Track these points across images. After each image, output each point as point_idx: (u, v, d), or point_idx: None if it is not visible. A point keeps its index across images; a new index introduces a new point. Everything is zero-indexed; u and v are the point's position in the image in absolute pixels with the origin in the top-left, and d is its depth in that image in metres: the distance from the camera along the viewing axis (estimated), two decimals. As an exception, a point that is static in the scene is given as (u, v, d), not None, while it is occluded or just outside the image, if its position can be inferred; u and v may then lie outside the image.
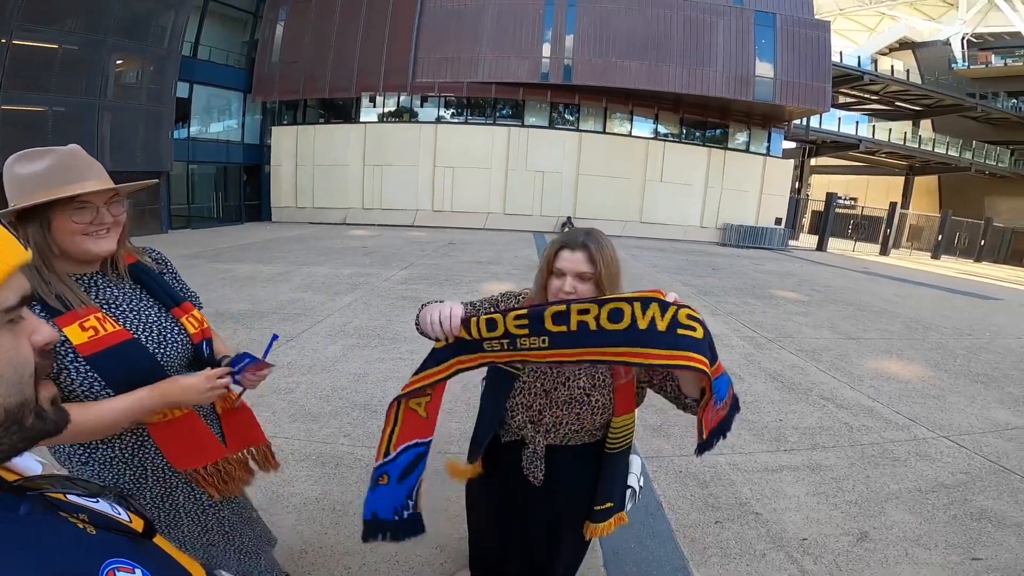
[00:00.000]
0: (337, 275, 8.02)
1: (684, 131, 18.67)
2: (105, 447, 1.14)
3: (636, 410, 1.35)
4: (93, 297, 1.12)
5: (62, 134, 11.74)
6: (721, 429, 1.22)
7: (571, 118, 18.05)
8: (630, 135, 18.24)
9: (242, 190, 18.83)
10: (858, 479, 2.87)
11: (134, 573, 0.44)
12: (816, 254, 18.33)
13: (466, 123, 17.90)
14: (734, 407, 1.25)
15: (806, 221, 26.99)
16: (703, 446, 1.23)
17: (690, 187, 18.43)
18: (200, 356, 1.23)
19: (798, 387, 4.33)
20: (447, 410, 3.32)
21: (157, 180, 1.28)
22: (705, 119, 18.46)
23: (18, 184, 1.03)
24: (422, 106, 17.98)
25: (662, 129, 18.50)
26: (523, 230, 16.94)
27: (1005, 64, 28.36)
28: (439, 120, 17.87)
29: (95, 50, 12.49)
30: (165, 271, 1.32)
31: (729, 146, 18.83)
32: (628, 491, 1.44)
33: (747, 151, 19.00)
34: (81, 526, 0.45)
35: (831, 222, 20.57)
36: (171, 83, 14.37)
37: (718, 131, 18.82)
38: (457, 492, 2.41)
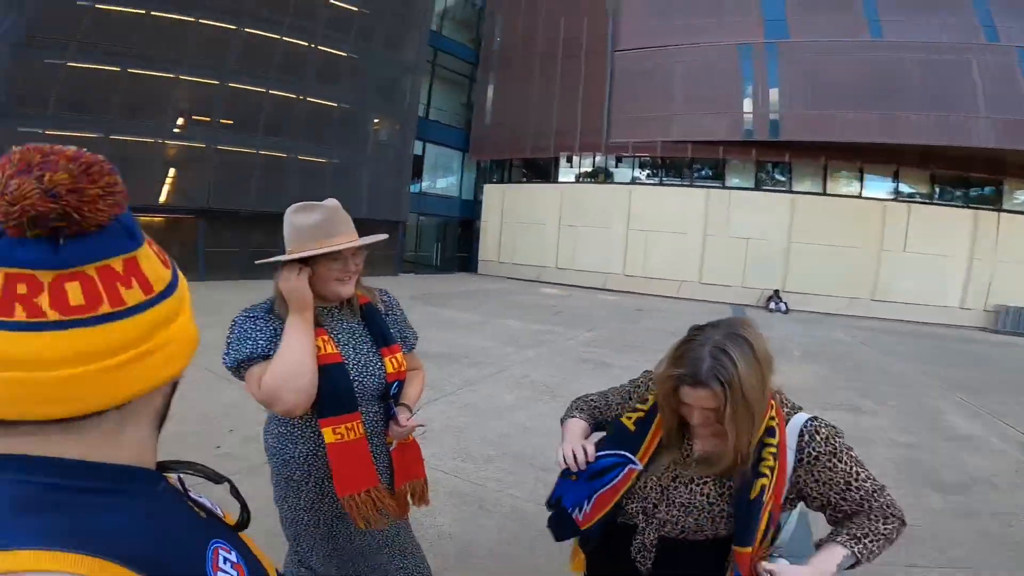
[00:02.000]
0: (526, 329, 8.45)
1: (936, 190, 15.52)
2: (292, 447, 1.39)
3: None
4: (329, 323, 1.41)
5: (337, 183, 14.60)
6: None
7: (782, 178, 16.48)
8: (860, 196, 15.83)
9: (457, 243, 21.45)
10: None
11: (231, 554, 0.50)
12: None
13: (661, 184, 17.67)
14: None
15: None
16: None
17: (947, 259, 14.96)
18: (386, 394, 1.44)
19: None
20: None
21: (387, 235, 1.60)
22: (966, 175, 15.09)
23: (296, 232, 1.35)
24: (616, 167, 18.37)
25: (905, 188, 15.67)
26: (721, 302, 15.57)
27: None
28: (633, 181, 18.00)
29: (360, 109, 15.45)
30: (390, 312, 1.58)
31: (1004, 207, 14.99)
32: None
33: (1033, 213, 14.87)
34: (196, 510, 0.53)
35: None
36: (411, 141, 17.12)
37: (987, 189, 15.19)
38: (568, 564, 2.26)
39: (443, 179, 21.50)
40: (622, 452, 1.28)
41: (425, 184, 20.27)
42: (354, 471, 1.34)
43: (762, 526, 1.11)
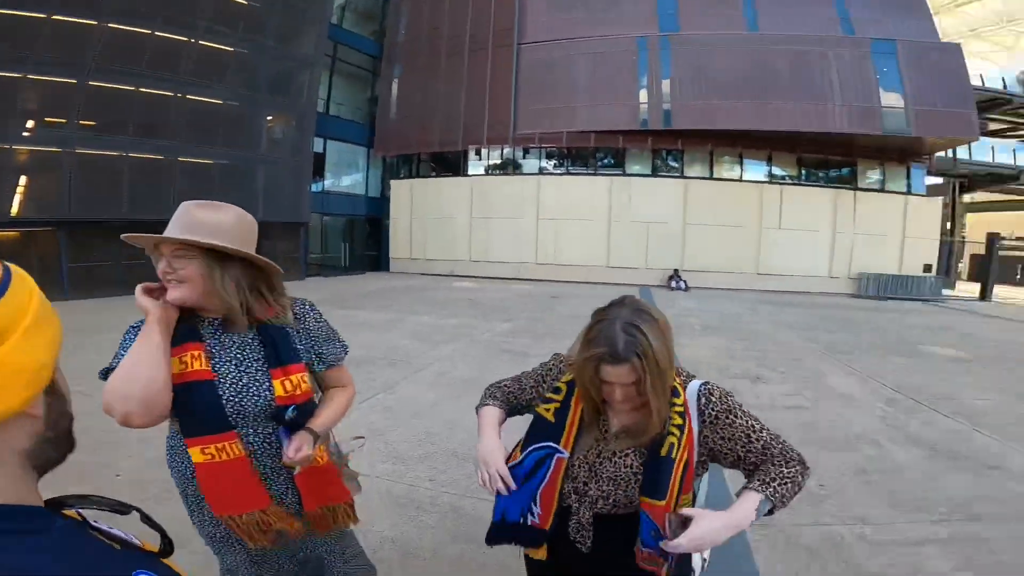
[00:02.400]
0: (441, 325, 8.34)
1: (803, 172, 17.39)
2: (181, 462, 1.31)
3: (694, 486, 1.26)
4: (211, 337, 1.29)
5: (228, 185, 13.55)
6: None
7: (675, 164, 17.65)
8: (740, 180, 17.36)
9: (365, 241, 20.70)
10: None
11: None
12: (979, 304, 15.74)
13: (567, 173, 18.22)
14: None
15: (964, 267, 23.42)
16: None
17: (815, 234, 16.88)
18: (281, 416, 1.30)
19: (954, 453, 3.69)
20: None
21: (209, 243, 1.35)
22: (827, 157, 17.06)
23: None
24: (524, 158, 18.69)
25: (777, 171, 17.39)
26: (628, 284, 16.42)
27: None
28: (541, 171, 18.40)
29: (251, 107, 14.40)
30: (303, 327, 1.41)
31: (859, 186, 17.14)
32: (692, 573, 1.30)
33: (882, 190, 17.15)
34: (108, 543, 0.49)
35: (996, 267, 17.63)
36: (309, 138, 16.22)
37: (844, 170, 17.27)
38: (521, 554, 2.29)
39: (348, 176, 20.66)
40: (547, 444, 1.29)
41: (328, 182, 19.37)
42: (231, 492, 1.27)
43: (675, 480, 1.17)
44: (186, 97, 12.95)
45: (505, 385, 1.49)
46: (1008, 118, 22.86)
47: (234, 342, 1.31)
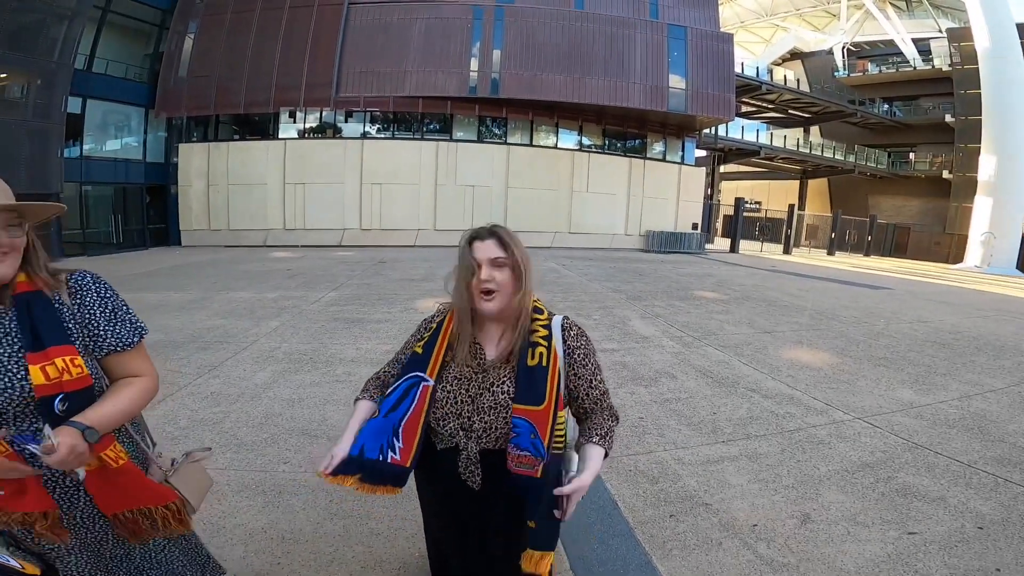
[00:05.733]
0: (260, 299, 7.57)
1: (606, 142, 19.45)
2: None
3: (568, 409, 1.37)
4: None
5: None
6: (517, 484, 1.27)
7: (499, 132, 18.26)
8: (556, 147, 18.75)
9: (145, 212, 17.37)
10: (791, 464, 3.07)
11: None
12: (730, 256, 19.61)
13: (393, 138, 17.63)
14: (538, 483, 1.25)
15: (719, 225, 28.87)
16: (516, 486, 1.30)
17: (614, 196, 19.19)
18: (50, 411, 1.06)
19: (726, 380, 4.58)
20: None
21: (64, 206, 1.15)
22: (625, 130, 19.34)
23: None
24: (347, 122, 17.49)
25: (586, 141, 19.17)
26: (454, 245, 16.49)
27: (880, 71, 32.02)
28: (365, 136, 17.46)
29: None
30: (76, 303, 1.18)
31: (648, 156, 19.83)
32: None
33: (664, 160, 20.09)
34: None
35: (741, 225, 22.13)
36: (61, 97, 13.11)
37: (637, 141, 19.77)
38: (413, 512, 2.34)
39: (118, 140, 16.93)
40: (413, 374, 1.33)
41: (89, 147, 15.70)
42: (14, 491, 1.08)
43: (551, 387, 1.28)
44: None
45: (380, 371, 1.49)
46: (755, 102, 28.39)
47: None
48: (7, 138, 11.96)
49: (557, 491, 1.21)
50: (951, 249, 25.83)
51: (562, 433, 1.33)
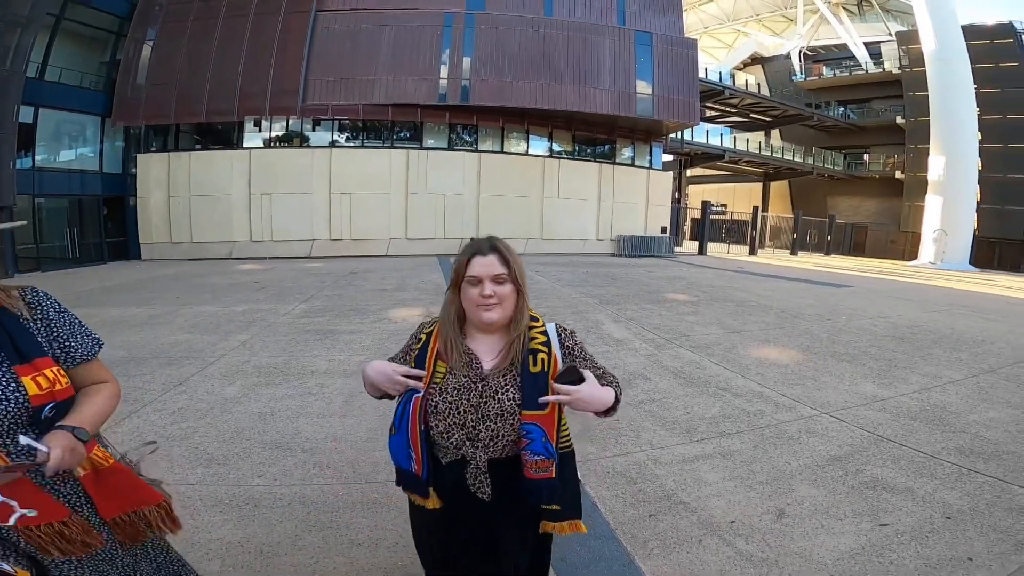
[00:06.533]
0: (227, 313, 7.36)
1: (576, 148, 19.67)
2: None
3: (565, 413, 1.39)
4: None
5: None
6: (532, 489, 1.32)
7: (469, 139, 18.29)
8: (527, 154, 18.86)
9: (102, 225, 16.73)
10: (763, 460, 3.14)
11: None
12: (698, 258, 20.04)
13: (363, 147, 17.44)
14: (553, 484, 1.32)
15: (687, 228, 29.52)
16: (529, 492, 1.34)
17: (584, 202, 19.40)
18: (38, 420, 1.10)
19: (698, 381, 4.67)
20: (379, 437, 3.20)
21: (24, 222, 1.12)
22: (594, 135, 19.62)
23: None
24: (314, 130, 17.25)
25: (556, 147, 19.36)
26: (427, 254, 16.73)
27: (834, 75, 33.34)
28: (333, 144, 17.24)
29: None
30: (40, 317, 1.19)
31: (617, 161, 20.13)
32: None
33: (632, 165, 20.43)
34: None
35: (708, 228, 22.66)
36: (13, 106, 12.58)
37: (606, 147, 20.07)
38: (394, 520, 2.31)
39: (72, 150, 16.28)
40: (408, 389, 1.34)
41: (42, 158, 15.08)
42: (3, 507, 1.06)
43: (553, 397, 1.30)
44: None
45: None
46: (719, 107, 29.19)
47: None
48: None
49: (554, 387, 1.26)
50: (906, 247, 27.00)
51: (567, 432, 1.40)
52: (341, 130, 17.42)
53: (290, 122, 17.07)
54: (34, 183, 14.44)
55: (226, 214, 16.62)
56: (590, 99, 17.40)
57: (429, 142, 17.85)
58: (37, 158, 14.87)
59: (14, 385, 1.08)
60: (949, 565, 2.16)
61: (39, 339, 1.16)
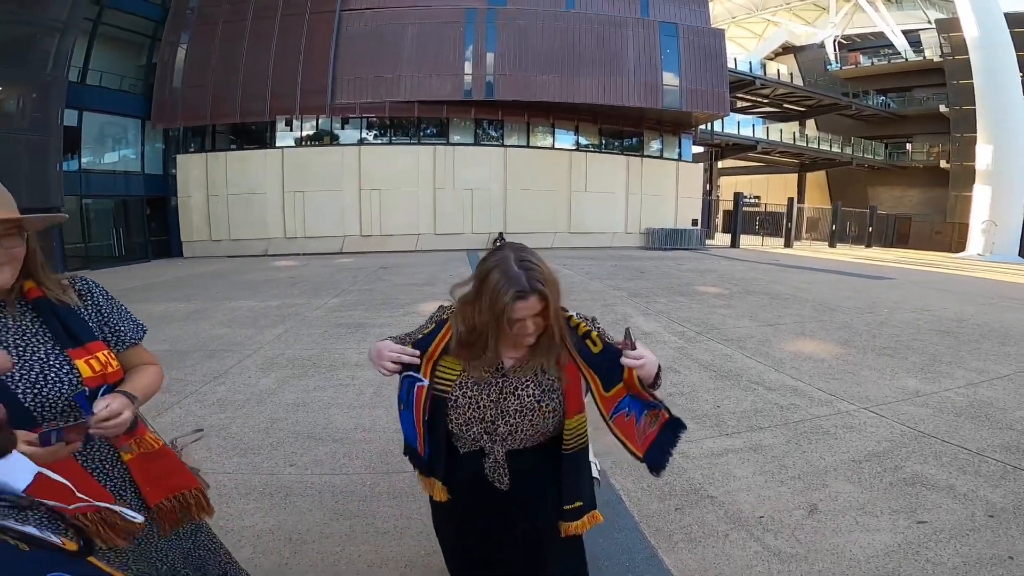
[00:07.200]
0: (263, 308, 7.60)
1: (603, 141, 19.47)
2: None
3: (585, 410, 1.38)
4: None
5: None
6: (664, 443, 1.34)
7: (495, 134, 18.32)
8: (553, 148, 18.76)
9: (146, 224, 17.47)
10: (797, 455, 3.07)
11: None
12: (730, 251, 19.60)
13: (390, 144, 17.69)
14: (671, 426, 1.34)
15: (719, 220, 28.87)
16: (652, 463, 1.34)
17: (613, 195, 19.19)
18: (95, 398, 1.13)
19: (729, 374, 4.58)
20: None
21: (66, 215, 1.21)
22: (621, 128, 19.35)
23: None
24: (343, 128, 17.58)
25: (583, 140, 19.20)
26: (455, 249, 16.85)
27: (872, 63, 31.97)
28: (362, 142, 17.53)
29: None
30: (89, 304, 1.25)
31: (645, 153, 19.84)
32: (592, 482, 1.48)
33: (661, 157, 20.09)
34: (12, 543, 0.47)
35: (741, 220, 22.12)
36: (57, 111, 13.18)
37: (634, 139, 19.78)
38: (419, 510, 2.36)
39: (116, 152, 17.04)
40: (407, 373, 1.36)
41: (87, 160, 15.82)
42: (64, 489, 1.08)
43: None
44: None
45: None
46: (750, 97, 28.40)
47: (8, 328, 1.12)
48: (6, 152, 12.00)
49: (626, 352, 1.28)
50: (953, 238, 25.78)
51: (584, 428, 1.38)
52: (369, 128, 17.69)
53: (320, 121, 17.42)
54: (81, 184, 15.15)
55: (261, 212, 17.11)
56: (615, 92, 17.18)
57: (455, 138, 17.96)
58: (83, 160, 15.59)
59: (68, 367, 1.13)
60: (989, 564, 2.07)
61: (90, 324, 1.22)
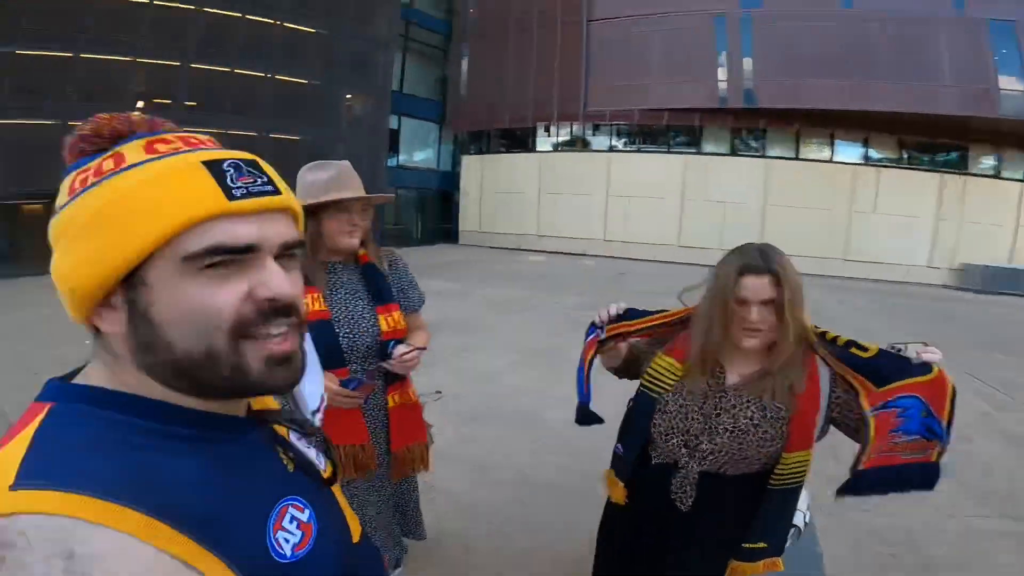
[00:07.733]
0: (512, 296, 8.61)
1: (905, 155, 15.96)
2: None
3: (814, 448, 1.22)
4: (329, 277, 1.46)
5: (312, 160, 14.62)
6: (893, 478, 1.12)
7: (755, 144, 16.80)
8: (831, 161, 16.22)
9: (438, 213, 21.40)
10: None
11: (304, 512, 0.47)
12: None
13: (639, 151, 17.87)
14: (927, 469, 1.12)
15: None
16: (852, 485, 1.15)
17: (914, 219, 15.51)
18: (384, 351, 1.47)
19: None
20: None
21: (393, 195, 1.67)
22: (933, 141, 15.54)
23: (306, 187, 1.44)
24: (595, 135, 18.47)
25: (874, 153, 16.08)
26: (699, 264, 15.85)
27: None
28: (611, 149, 18.16)
29: (332, 86, 15.25)
30: (395, 272, 1.62)
31: (970, 171, 15.53)
32: (792, 530, 1.34)
33: (997, 176, 15.44)
34: (285, 462, 0.50)
35: None
36: (385, 115, 16.97)
37: (953, 154, 15.69)
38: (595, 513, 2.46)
39: (420, 152, 21.36)
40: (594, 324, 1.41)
41: (402, 158, 20.14)
42: (338, 424, 1.35)
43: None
44: (274, 77, 13.85)
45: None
46: None
47: (343, 283, 1.47)
48: (355, 149, 15.52)
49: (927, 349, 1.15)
50: None
51: (805, 465, 1.21)
52: (619, 135, 18.16)
53: (573, 128, 18.61)
54: (396, 178, 19.21)
55: (519, 210, 19.15)
56: (923, 98, 13.89)
57: (708, 147, 17.08)
58: (400, 158, 19.80)
59: (373, 321, 1.45)
60: None
61: (393, 289, 1.54)
